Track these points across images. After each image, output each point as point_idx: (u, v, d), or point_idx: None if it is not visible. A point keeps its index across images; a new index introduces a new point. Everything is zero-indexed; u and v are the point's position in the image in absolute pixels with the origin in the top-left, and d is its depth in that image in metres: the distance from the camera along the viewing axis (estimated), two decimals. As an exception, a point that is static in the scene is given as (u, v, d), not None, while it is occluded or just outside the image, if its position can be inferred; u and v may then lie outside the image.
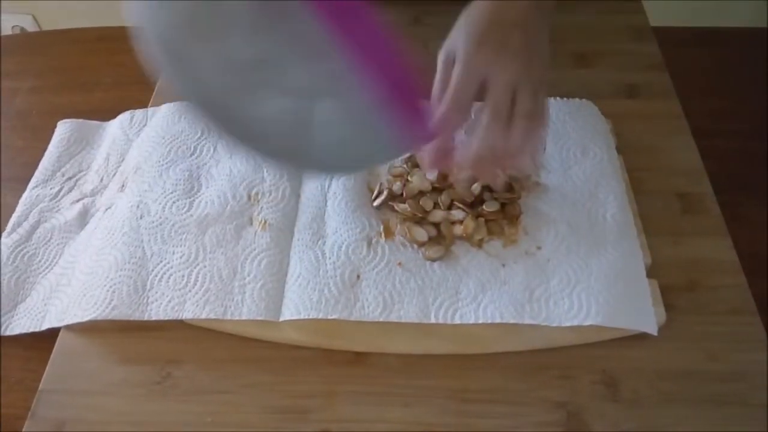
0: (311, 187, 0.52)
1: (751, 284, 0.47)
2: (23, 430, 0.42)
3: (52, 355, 0.46)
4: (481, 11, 0.44)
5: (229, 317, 0.45)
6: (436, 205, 0.50)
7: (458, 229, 0.49)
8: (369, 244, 0.48)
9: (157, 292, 0.46)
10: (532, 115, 0.42)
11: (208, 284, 0.47)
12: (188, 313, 0.45)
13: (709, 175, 0.54)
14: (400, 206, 0.50)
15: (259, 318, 0.45)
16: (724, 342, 0.45)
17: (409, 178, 0.52)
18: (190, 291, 0.46)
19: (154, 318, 0.45)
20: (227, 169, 0.54)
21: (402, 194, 0.51)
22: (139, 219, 0.50)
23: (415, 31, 0.69)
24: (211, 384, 0.44)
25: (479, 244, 0.48)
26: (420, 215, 0.49)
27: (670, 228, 0.51)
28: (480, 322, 0.44)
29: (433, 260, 0.47)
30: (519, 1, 0.43)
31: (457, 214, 0.49)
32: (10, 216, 0.54)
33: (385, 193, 0.51)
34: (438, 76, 0.43)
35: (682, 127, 0.58)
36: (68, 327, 0.47)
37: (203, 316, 0.45)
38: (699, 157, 0.55)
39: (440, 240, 0.48)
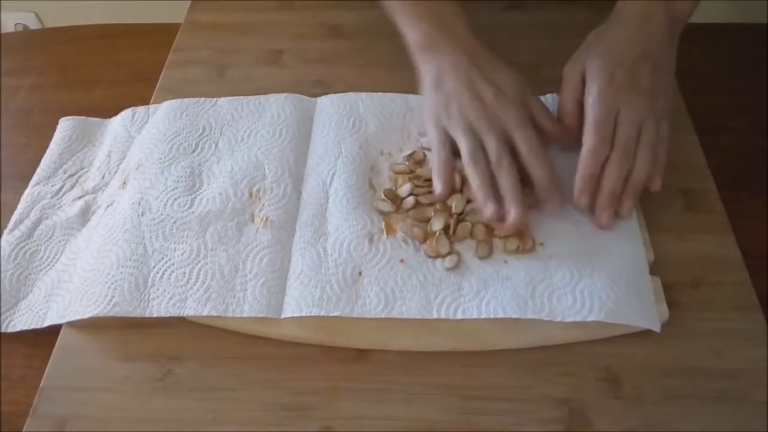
0: (313, 184, 0.52)
1: (755, 281, 0.47)
2: (25, 427, 0.42)
3: (53, 352, 0.46)
4: (613, 42, 0.48)
5: (230, 314, 0.45)
6: (437, 202, 0.50)
7: (460, 226, 0.48)
8: (371, 241, 0.48)
9: (158, 289, 0.46)
10: (655, 144, 0.47)
11: (209, 281, 0.46)
12: (190, 310, 0.45)
13: (712, 171, 0.54)
14: (401, 203, 0.50)
15: (261, 315, 0.45)
16: (727, 339, 0.45)
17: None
18: (191, 288, 0.46)
19: (155, 315, 0.45)
20: (228, 166, 0.53)
21: (404, 191, 0.51)
22: (140, 216, 0.50)
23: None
24: (213, 381, 0.44)
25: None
26: (422, 212, 0.49)
27: (674, 225, 0.50)
28: (482, 317, 0.44)
29: (435, 257, 0.47)
30: (652, 33, 0.47)
31: (459, 210, 0.49)
32: (12, 213, 0.54)
33: (387, 189, 0.51)
34: (569, 94, 0.49)
35: (685, 124, 0.57)
36: (70, 324, 0.47)
37: (205, 313, 0.45)
38: (702, 154, 0.55)
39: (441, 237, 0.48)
